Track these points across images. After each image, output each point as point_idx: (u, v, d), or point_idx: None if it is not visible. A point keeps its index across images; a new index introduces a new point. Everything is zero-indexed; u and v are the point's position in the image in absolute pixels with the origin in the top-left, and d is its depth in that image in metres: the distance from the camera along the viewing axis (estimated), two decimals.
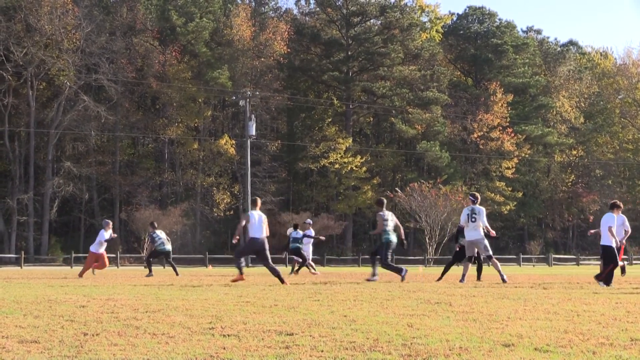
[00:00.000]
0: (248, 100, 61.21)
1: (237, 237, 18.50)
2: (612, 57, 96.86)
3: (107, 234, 24.82)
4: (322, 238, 29.42)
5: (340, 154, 69.40)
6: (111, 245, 25.65)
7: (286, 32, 72.23)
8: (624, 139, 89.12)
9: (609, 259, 16.95)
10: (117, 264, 50.69)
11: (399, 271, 19.19)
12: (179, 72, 66.75)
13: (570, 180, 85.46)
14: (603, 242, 17.15)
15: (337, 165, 69.16)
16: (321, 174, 72.77)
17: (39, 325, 8.02)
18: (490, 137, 76.04)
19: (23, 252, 53.69)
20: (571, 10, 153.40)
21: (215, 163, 68.48)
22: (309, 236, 28.17)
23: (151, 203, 63.62)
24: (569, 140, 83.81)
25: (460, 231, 20.12)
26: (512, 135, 76.13)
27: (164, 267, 29.33)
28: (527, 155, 79.03)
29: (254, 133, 60.84)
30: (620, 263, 19.96)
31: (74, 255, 52.79)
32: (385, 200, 19.91)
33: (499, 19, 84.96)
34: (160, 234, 26.81)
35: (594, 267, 47.03)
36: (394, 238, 19.29)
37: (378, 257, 19.47)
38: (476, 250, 19.34)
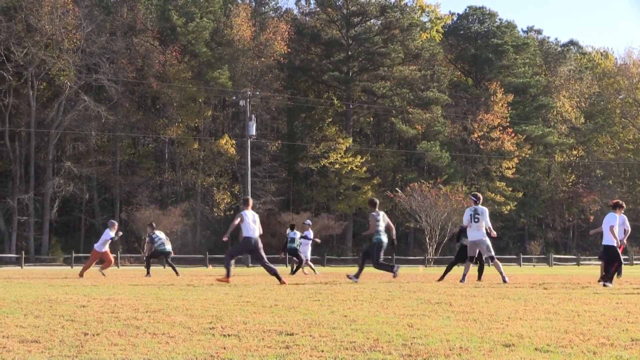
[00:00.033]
0: (248, 100, 61.23)
1: (227, 235, 18.55)
2: (612, 57, 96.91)
3: (112, 234, 24.83)
4: (318, 241, 29.38)
5: (340, 154, 69.40)
6: (113, 244, 25.57)
7: (286, 32, 72.26)
8: (624, 139, 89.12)
9: (612, 258, 16.92)
10: (117, 264, 50.66)
11: (391, 268, 19.22)
12: (179, 72, 66.77)
13: (570, 180, 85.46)
14: (605, 242, 17.12)
15: (337, 165, 69.16)
16: (321, 174, 72.76)
17: (40, 325, 8.02)
18: (491, 137, 76.04)
19: (23, 252, 53.70)
20: (572, 10, 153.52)
21: (215, 163, 68.50)
22: (306, 238, 28.24)
23: (151, 203, 63.64)
24: (570, 140, 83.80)
25: (462, 231, 20.14)
26: (513, 135, 76.12)
27: (164, 267, 29.33)
28: (527, 156, 79.03)
29: (254, 133, 60.85)
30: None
31: (74, 255, 52.78)
32: (377, 201, 19.87)
33: (500, 19, 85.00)
34: (160, 234, 26.79)
35: (594, 267, 47.05)
36: (385, 238, 19.29)
37: (369, 259, 19.41)
38: (478, 250, 19.33)
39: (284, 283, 17.30)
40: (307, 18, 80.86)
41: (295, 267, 27.50)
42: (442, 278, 20.12)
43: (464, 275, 19.28)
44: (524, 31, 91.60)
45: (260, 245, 17.76)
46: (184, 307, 10.30)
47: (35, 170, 63.10)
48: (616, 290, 15.12)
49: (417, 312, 9.48)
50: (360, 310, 9.72)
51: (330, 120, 74.43)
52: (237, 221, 17.87)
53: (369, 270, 20.89)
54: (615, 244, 16.91)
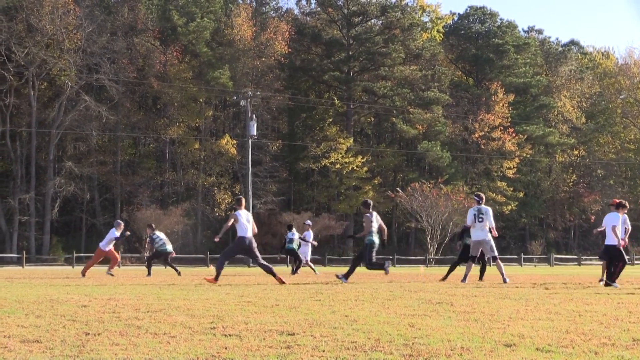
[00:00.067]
0: (249, 100, 61.24)
1: (220, 236, 18.60)
2: (613, 57, 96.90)
3: (117, 233, 24.82)
4: (315, 243, 29.32)
5: (341, 154, 69.40)
6: (116, 244, 25.53)
7: (287, 32, 72.27)
8: (625, 139, 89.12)
9: (616, 258, 16.88)
10: (118, 264, 50.64)
11: (382, 266, 19.24)
12: (180, 72, 66.79)
13: (571, 180, 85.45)
14: (608, 242, 17.07)
15: (338, 165, 69.16)
16: (322, 174, 72.76)
17: (41, 325, 8.02)
18: (492, 137, 76.03)
19: (25, 252, 53.63)
20: (572, 10, 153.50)
21: (216, 163, 68.51)
22: (305, 240, 28.30)
23: (152, 203, 63.66)
24: (571, 140, 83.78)
25: (465, 231, 20.15)
26: (514, 135, 76.10)
27: (165, 268, 29.33)
28: (528, 155, 79.02)
29: (255, 133, 60.86)
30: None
31: (75, 255, 52.72)
32: (371, 202, 19.85)
33: (500, 19, 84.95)
34: (160, 234, 26.80)
35: (595, 267, 47.05)
36: (377, 239, 19.29)
37: (361, 261, 19.38)
38: (480, 250, 19.33)
39: (282, 282, 17.33)
40: (308, 18, 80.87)
41: (295, 267, 27.52)
42: (445, 278, 20.13)
43: (466, 275, 19.28)
44: (524, 31, 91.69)
45: (255, 244, 17.80)
46: (185, 307, 10.30)
47: (36, 170, 63.12)
48: (617, 290, 15.12)
49: (418, 312, 9.48)
50: (362, 310, 9.72)
51: (331, 120, 74.45)
52: (230, 222, 17.93)
53: (359, 270, 20.87)
54: (617, 244, 16.87)
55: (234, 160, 68.50)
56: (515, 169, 76.85)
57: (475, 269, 20.33)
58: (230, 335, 7.16)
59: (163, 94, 68.06)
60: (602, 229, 18.30)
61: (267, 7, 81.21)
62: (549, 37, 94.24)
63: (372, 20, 76.77)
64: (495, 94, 77.48)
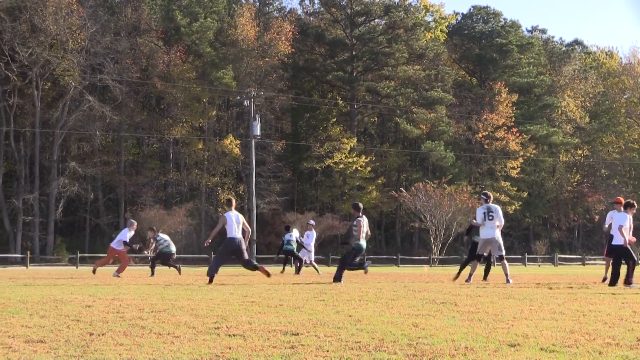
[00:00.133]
0: (252, 100, 61.26)
1: (210, 240, 18.67)
2: (617, 57, 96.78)
3: (129, 234, 24.57)
4: (311, 249, 28.98)
5: (344, 153, 69.40)
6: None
7: (290, 32, 72.26)
8: (629, 139, 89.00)
9: (626, 258, 16.81)
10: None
11: (361, 265, 19.25)
12: (183, 72, 66.81)
13: (575, 180, 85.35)
14: (615, 242, 16.97)
15: (341, 165, 69.16)
16: (326, 173, 72.77)
17: (45, 325, 8.03)
18: (495, 136, 75.99)
19: (29, 252, 53.70)
20: (576, 10, 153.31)
21: (219, 163, 68.52)
22: (303, 244, 28.30)
23: (156, 203, 63.68)
24: (574, 140, 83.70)
25: (472, 228, 20.17)
26: (517, 135, 76.06)
27: (169, 268, 29.36)
28: (532, 155, 78.95)
29: (258, 133, 60.90)
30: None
31: (79, 255, 52.79)
32: (361, 206, 19.82)
33: (504, 19, 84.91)
34: (164, 236, 26.84)
35: (599, 267, 46.98)
36: (364, 244, 19.32)
37: (349, 261, 19.34)
38: (488, 249, 19.30)
39: (268, 275, 18.08)
40: (311, 18, 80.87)
41: (297, 267, 27.51)
42: (457, 277, 20.09)
43: (470, 274, 19.29)
44: (528, 31, 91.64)
45: (244, 246, 17.90)
46: (189, 307, 10.31)
47: (40, 170, 63.17)
48: (621, 290, 15.10)
49: (422, 312, 9.48)
50: (365, 310, 9.72)
51: (334, 120, 74.49)
52: (219, 227, 18.18)
53: (359, 270, 20.88)
54: (624, 243, 16.77)
55: (237, 160, 68.50)
56: (519, 169, 76.78)
57: (479, 268, 20.32)
58: (234, 335, 7.17)
59: (166, 94, 68.09)
60: (607, 226, 18.25)
61: (271, 7, 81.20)
62: (553, 37, 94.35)
63: (376, 20, 76.78)
64: (498, 93, 77.43)
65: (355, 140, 71.87)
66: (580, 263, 67.56)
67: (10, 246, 60.63)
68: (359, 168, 69.54)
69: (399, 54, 73.21)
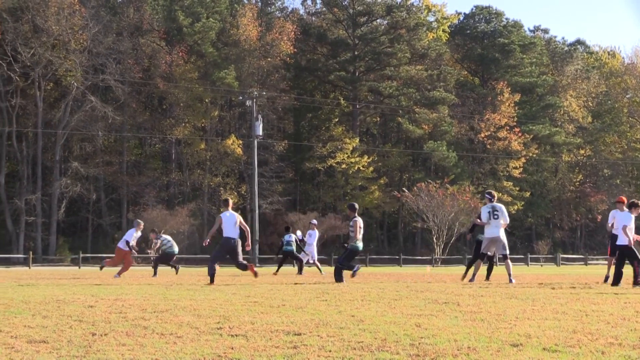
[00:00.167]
0: (255, 100, 61.28)
1: (209, 240, 18.73)
2: (619, 56, 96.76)
3: (136, 234, 24.32)
4: (307, 253, 28.79)
5: (347, 154, 69.39)
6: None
7: (292, 32, 72.23)
8: (632, 138, 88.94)
9: (630, 258, 16.75)
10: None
11: (351, 267, 19.24)
12: (185, 73, 66.81)
13: (578, 179, 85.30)
14: (620, 241, 16.90)
15: (344, 165, 69.16)
16: (328, 174, 72.78)
17: (48, 325, 8.03)
18: (498, 136, 75.96)
19: (31, 253, 53.75)
20: (578, 10, 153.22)
21: (222, 163, 68.51)
22: (302, 241, 28.26)
23: (158, 203, 63.69)
24: (577, 139, 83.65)
25: (475, 226, 20.19)
26: (520, 134, 76.02)
27: (171, 268, 29.33)
28: (534, 155, 78.91)
29: (260, 133, 60.92)
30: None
31: (81, 255, 52.83)
32: (357, 206, 19.81)
33: (506, 19, 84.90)
34: (166, 237, 26.92)
35: (602, 267, 46.92)
36: (361, 246, 19.34)
37: (343, 261, 19.32)
38: (493, 249, 19.28)
39: (256, 275, 18.21)
40: (313, 18, 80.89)
41: (299, 267, 27.46)
42: (464, 276, 20.07)
43: (474, 274, 19.28)
44: (530, 30, 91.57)
45: (240, 247, 18.00)
46: (191, 307, 10.31)
47: (42, 170, 63.22)
48: (624, 290, 15.09)
49: (424, 312, 9.47)
50: (368, 310, 9.72)
51: (336, 120, 74.48)
52: (215, 227, 18.33)
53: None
54: (628, 244, 16.70)
55: (239, 160, 68.51)
56: (521, 169, 76.75)
57: (482, 268, 20.30)
58: (236, 335, 7.17)
59: (169, 95, 68.13)
60: (610, 225, 18.21)
61: (273, 7, 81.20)
62: (555, 37, 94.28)
63: (378, 20, 76.81)
64: (501, 93, 77.39)
65: (357, 140, 71.87)
66: (582, 263, 67.52)
67: (12, 246, 60.70)
68: (361, 168, 69.53)
69: (401, 54, 73.22)
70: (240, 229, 18.11)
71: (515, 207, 73.77)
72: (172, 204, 65.66)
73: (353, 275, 19.47)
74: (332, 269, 39.27)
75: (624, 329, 7.60)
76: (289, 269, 35.05)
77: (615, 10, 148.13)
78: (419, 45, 75.48)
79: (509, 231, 18.60)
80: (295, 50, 72.86)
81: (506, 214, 19.13)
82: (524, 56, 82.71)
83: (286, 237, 27.50)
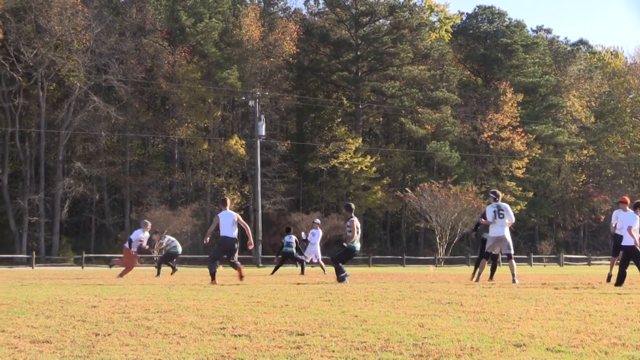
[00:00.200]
0: (257, 100, 61.30)
1: (209, 238, 18.81)
2: (622, 57, 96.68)
3: (143, 235, 24.12)
4: (306, 257, 28.70)
5: (350, 154, 69.37)
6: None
7: (295, 32, 72.26)
8: (635, 139, 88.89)
9: (636, 259, 16.71)
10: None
11: (341, 272, 19.14)
12: (188, 73, 66.84)
13: (581, 180, 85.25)
14: (625, 242, 16.85)
15: (347, 166, 69.13)
16: (331, 174, 72.76)
17: (51, 326, 8.04)
18: (501, 136, 75.91)
19: (34, 253, 53.74)
20: (581, 10, 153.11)
21: (225, 163, 68.54)
22: (301, 241, 28.25)
23: (161, 203, 63.70)
24: (580, 139, 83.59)
25: (479, 224, 20.20)
26: (523, 135, 75.96)
27: (171, 268, 29.30)
28: (537, 155, 78.85)
29: (263, 133, 60.95)
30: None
31: (84, 255, 52.85)
32: (354, 206, 19.80)
33: (509, 19, 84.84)
34: (170, 237, 27.02)
35: (605, 267, 46.90)
36: (359, 247, 19.34)
37: (336, 259, 19.28)
38: (498, 248, 19.27)
39: (241, 277, 18.10)
40: (316, 18, 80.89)
41: (301, 267, 27.43)
42: (474, 276, 20.06)
43: (479, 274, 19.28)
44: (533, 30, 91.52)
45: (237, 245, 18.17)
46: (194, 307, 10.31)
47: (45, 170, 63.26)
48: (627, 290, 15.07)
49: (428, 312, 9.47)
50: (371, 311, 9.71)
51: (339, 120, 74.47)
52: (213, 226, 18.57)
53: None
54: (634, 244, 16.66)
55: (242, 160, 68.52)
56: (524, 169, 76.71)
57: (487, 268, 20.31)
58: (239, 335, 7.17)
59: (171, 95, 68.16)
60: (614, 225, 18.18)
61: (275, 7, 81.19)
62: (558, 37, 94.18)
63: (381, 20, 76.79)
64: (504, 93, 77.36)
65: (360, 140, 71.85)
66: (586, 263, 67.47)
67: (15, 247, 60.74)
68: (364, 168, 69.51)
69: (404, 54, 73.20)
70: (240, 227, 18.17)
71: (518, 207, 73.67)
72: (175, 204, 65.67)
73: (339, 281, 19.32)
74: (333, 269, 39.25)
75: (627, 329, 7.60)
76: (292, 269, 35.04)
77: (618, 10, 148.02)
78: (422, 46, 75.47)
79: (511, 231, 18.58)
80: (297, 50, 72.88)
81: (512, 213, 19.19)
82: (527, 56, 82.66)
83: (286, 239, 27.45)
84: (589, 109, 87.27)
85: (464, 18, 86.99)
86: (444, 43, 79.92)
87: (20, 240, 61.11)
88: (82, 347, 6.50)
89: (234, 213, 18.29)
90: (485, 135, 76.06)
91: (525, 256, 66.69)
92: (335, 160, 69.27)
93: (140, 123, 68.95)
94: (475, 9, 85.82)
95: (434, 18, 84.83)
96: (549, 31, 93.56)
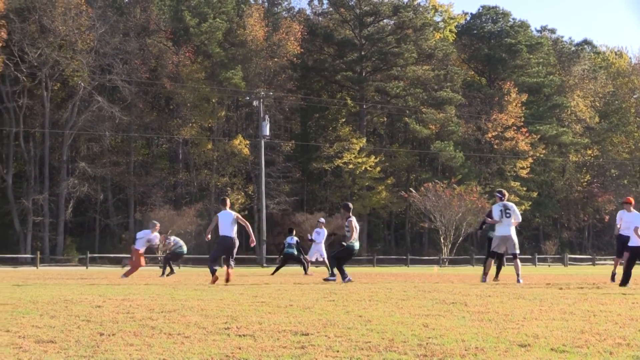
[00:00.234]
0: (262, 100, 61.30)
1: (209, 235, 19.16)
2: (626, 56, 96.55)
3: (151, 236, 23.91)
4: (306, 258, 28.59)
5: (354, 154, 69.36)
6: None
7: (299, 32, 72.25)
8: (639, 139, 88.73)
9: None
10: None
11: (333, 274, 19.12)
12: (192, 73, 66.85)
13: (585, 180, 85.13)
14: (632, 243, 16.79)
15: (351, 166, 69.12)
16: (335, 174, 72.76)
17: (56, 325, 8.05)
18: (505, 136, 75.83)
19: (39, 253, 53.87)
20: (585, 10, 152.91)
21: (229, 163, 68.55)
22: (314, 243, 28.17)
23: (165, 203, 63.73)
24: (584, 139, 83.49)
25: (484, 222, 20.20)
26: (527, 135, 75.88)
27: (179, 267, 29.42)
28: (541, 155, 78.77)
29: (267, 133, 60.96)
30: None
31: (89, 255, 52.93)
32: (352, 206, 19.81)
33: (513, 19, 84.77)
34: (175, 238, 27.05)
35: (609, 267, 46.87)
36: (358, 247, 19.34)
37: (334, 256, 19.30)
38: (504, 248, 19.24)
39: (227, 280, 17.82)
40: (320, 18, 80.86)
41: (304, 268, 27.38)
42: (485, 275, 20.05)
43: (485, 274, 19.26)
44: (537, 30, 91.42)
45: (236, 245, 18.18)
46: (199, 307, 10.31)
47: (49, 170, 63.34)
48: (632, 290, 15.05)
49: (432, 312, 9.46)
50: (376, 311, 9.71)
51: (343, 120, 74.47)
52: (212, 225, 18.76)
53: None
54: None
55: (247, 160, 68.54)
56: (528, 169, 76.61)
57: (492, 267, 20.27)
58: (244, 335, 7.17)
59: (176, 95, 68.17)
60: (618, 226, 18.14)
61: (279, 7, 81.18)
62: (562, 37, 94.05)
63: (385, 20, 76.75)
64: (508, 93, 77.28)
65: (364, 140, 71.85)
66: (590, 263, 67.38)
67: (20, 246, 60.84)
68: (368, 168, 69.49)
69: (408, 54, 73.18)
70: (240, 225, 18.22)
71: (523, 207, 73.49)
72: (179, 204, 65.69)
73: (326, 280, 19.30)
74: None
75: (632, 330, 7.59)
76: (296, 269, 35.02)
77: (622, 11, 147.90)
78: (426, 46, 75.46)
79: (518, 230, 18.61)
80: (302, 50, 72.87)
81: (518, 212, 19.22)
82: (531, 56, 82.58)
83: (288, 240, 27.30)
84: (593, 109, 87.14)
85: (468, 18, 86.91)
86: (448, 43, 79.87)
87: (24, 240, 61.20)
88: (87, 347, 6.51)
89: (233, 212, 18.33)
90: (490, 135, 75.99)
91: (529, 256, 66.61)
92: (340, 160, 69.27)
93: (144, 123, 69.00)
94: (479, 9, 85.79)
95: (438, 18, 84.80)
96: (553, 31, 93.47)
